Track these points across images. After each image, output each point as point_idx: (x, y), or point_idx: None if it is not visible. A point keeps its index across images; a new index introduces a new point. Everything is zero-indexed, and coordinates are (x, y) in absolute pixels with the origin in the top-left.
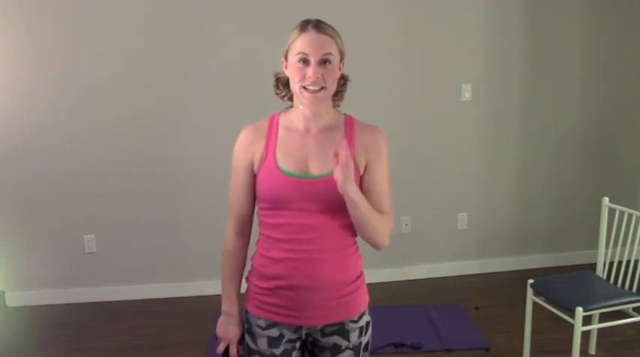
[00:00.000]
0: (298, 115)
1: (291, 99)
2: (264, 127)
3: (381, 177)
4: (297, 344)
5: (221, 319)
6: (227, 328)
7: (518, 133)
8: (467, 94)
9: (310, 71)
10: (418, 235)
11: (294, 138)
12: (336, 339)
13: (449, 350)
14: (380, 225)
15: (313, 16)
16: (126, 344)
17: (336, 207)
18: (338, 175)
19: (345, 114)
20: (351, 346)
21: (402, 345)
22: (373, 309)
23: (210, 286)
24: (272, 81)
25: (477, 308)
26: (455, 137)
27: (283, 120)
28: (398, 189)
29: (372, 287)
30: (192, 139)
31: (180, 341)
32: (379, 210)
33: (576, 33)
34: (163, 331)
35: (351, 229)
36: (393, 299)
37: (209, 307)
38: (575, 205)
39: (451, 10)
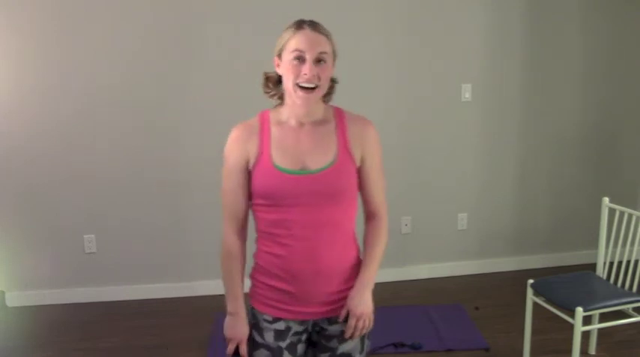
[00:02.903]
0: (289, 112)
1: (280, 98)
2: (255, 124)
3: (375, 168)
4: (303, 337)
5: (227, 319)
6: (235, 328)
7: (518, 133)
8: (467, 94)
9: (306, 68)
10: (418, 235)
11: (287, 134)
12: (343, 326)
13: (449, 350)
14: (384, 248)
15: (315, 17)
16: (126, 344)
17: (335, 199)
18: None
19: (333, 106)
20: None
21: (402, 345)
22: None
23: (211, 286)
24: (261, 80)
25: (477, 308)
26: (455, 137)
27: (274, 117)
28: (398, 189)
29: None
30: (192, 139)
31: (180, 341)
32: (375, 201)
33: (576, 33)
34: (163, 331)
35: (350, 220)
36: (393, 299)
37: (209, 307)
38: (575, 205)
39: (451, 10)
